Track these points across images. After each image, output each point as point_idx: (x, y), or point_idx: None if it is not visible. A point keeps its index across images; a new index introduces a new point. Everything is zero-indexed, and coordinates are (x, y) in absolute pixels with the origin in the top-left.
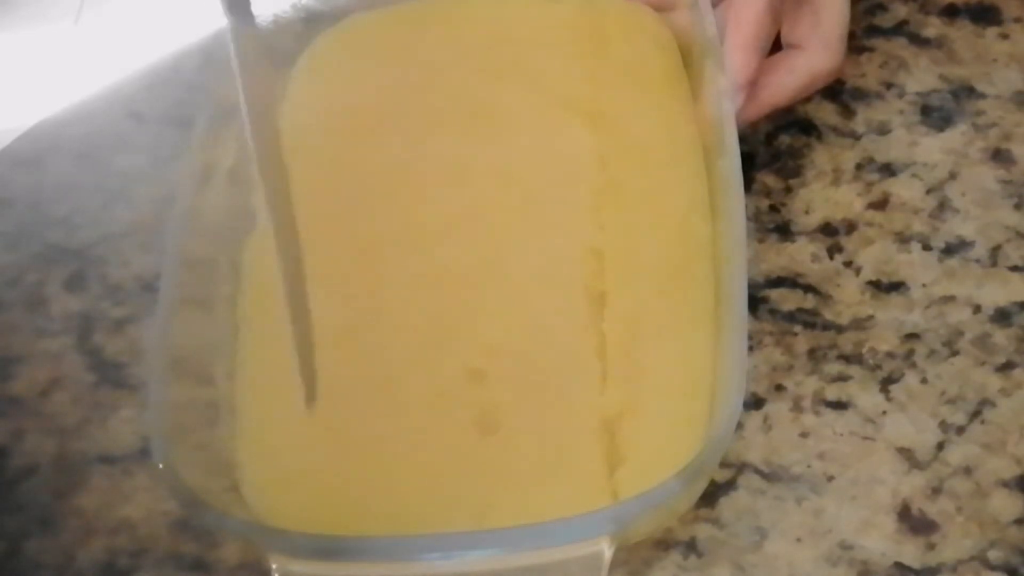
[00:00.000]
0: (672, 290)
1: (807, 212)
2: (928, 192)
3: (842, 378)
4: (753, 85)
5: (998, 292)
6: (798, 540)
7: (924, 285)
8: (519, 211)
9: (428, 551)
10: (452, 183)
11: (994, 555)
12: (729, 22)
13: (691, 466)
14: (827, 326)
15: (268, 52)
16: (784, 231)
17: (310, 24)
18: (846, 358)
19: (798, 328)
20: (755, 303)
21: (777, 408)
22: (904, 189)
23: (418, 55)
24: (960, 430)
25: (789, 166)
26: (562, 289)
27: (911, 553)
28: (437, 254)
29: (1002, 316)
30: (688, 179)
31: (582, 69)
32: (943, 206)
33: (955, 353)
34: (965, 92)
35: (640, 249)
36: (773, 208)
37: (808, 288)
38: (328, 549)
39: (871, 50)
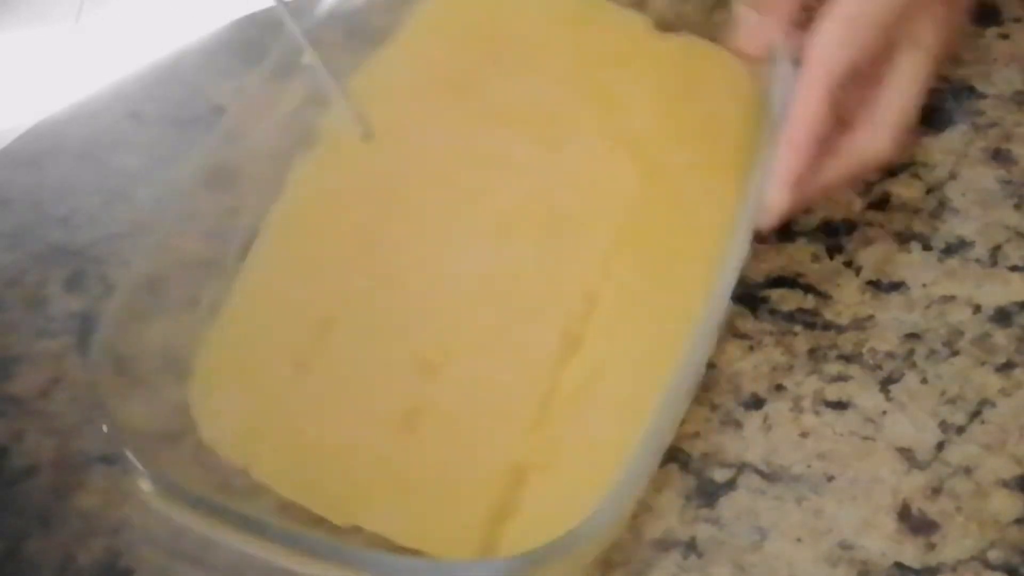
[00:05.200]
0: (650, 359)
1: (807, 212)
2: (928, 192)
3: (842, 378)
4: (798, 184)
5: (998, 292)
6: (798, 540)
7: (924, 285)
8: (535, 230)
9: (280, 540)
10: (484, 184)
11: (994, 555)
12: (789, 112)
13: (540, 552)
14: (827, 326)
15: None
16: (784, 231)
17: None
18: (846, 358)
19: (798, 328)
20: (755, 303)
21: (777, 408)
22: (904, 189)
23: (496, 53)
24: (960, 430)
25: None
26: (540, 322)
27: (911, 553)
28: (438, 249)
29: (1002, 316)
30: (715, 250)
31: (655, 111)
32: (943, 206)
33: (955, 353)
34: (965, 92)
35: (636, 307)
36: None
37: (808, 288)
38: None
39: None
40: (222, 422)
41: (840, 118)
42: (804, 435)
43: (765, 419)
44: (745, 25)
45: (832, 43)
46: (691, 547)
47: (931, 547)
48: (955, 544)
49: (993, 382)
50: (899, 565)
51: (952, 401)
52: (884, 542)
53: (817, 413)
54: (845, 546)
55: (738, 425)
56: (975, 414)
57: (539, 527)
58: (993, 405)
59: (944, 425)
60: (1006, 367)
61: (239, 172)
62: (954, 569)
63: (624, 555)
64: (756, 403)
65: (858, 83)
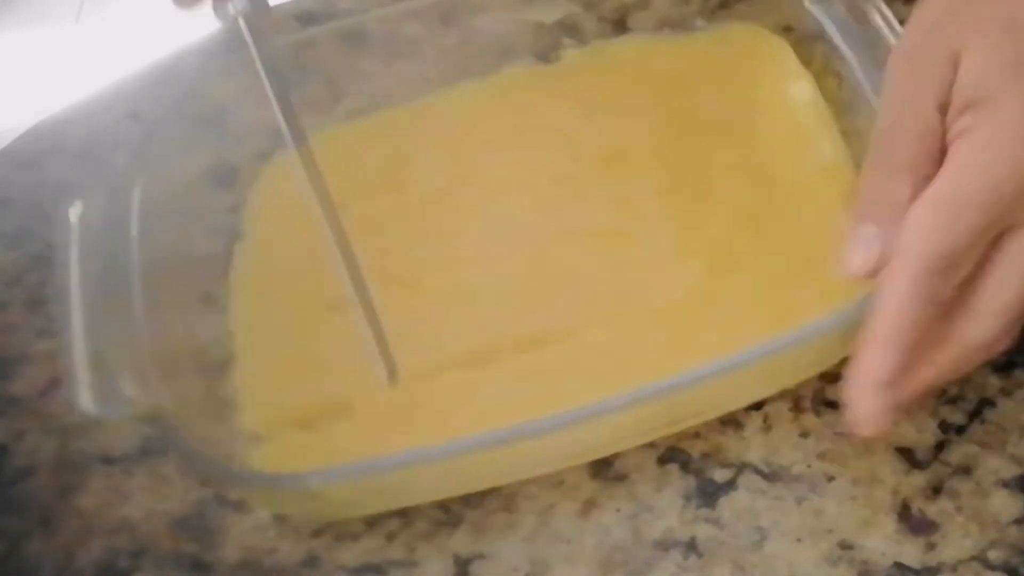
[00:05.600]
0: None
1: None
2: None
3: (842, 378)
4: (892, 385)
5: None
6: (798, 540)
7: None
8: (573, 251)
9: None
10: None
11: (994, 555)
12: (875, 307)
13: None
14: None
15: None
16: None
17: None
18: (846, 357)
19: None
20: None
21: (777, 408)
22: None
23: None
24: (960, 430)
25: None
26: (500, 322)
27: (911, 553)
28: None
29: None
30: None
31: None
32: None
33: None
34: None
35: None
36: None
37: None
38: None
39: None
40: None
41: (944, 309)
42: (804, 435)
43: (765, 419)
44: (860, 241)
45: (923, 229)
46: (691, 547)
47: (931, 547)
48: (955, 544)
49: (993, 382)
50: (899, 565)
51: (952, 401)
52: (884, 542)
53: (817, 413)
54: (845, 546)
55: (738, 425)
56: (975, 414)
57: (313, 451)
58: (993, 405)
59: (944, 425)
60: (1006, 367)
61: (240, 171)
62: (954, 569)
63: (624, 555)
64: (756, 403)
65: (962, 270)
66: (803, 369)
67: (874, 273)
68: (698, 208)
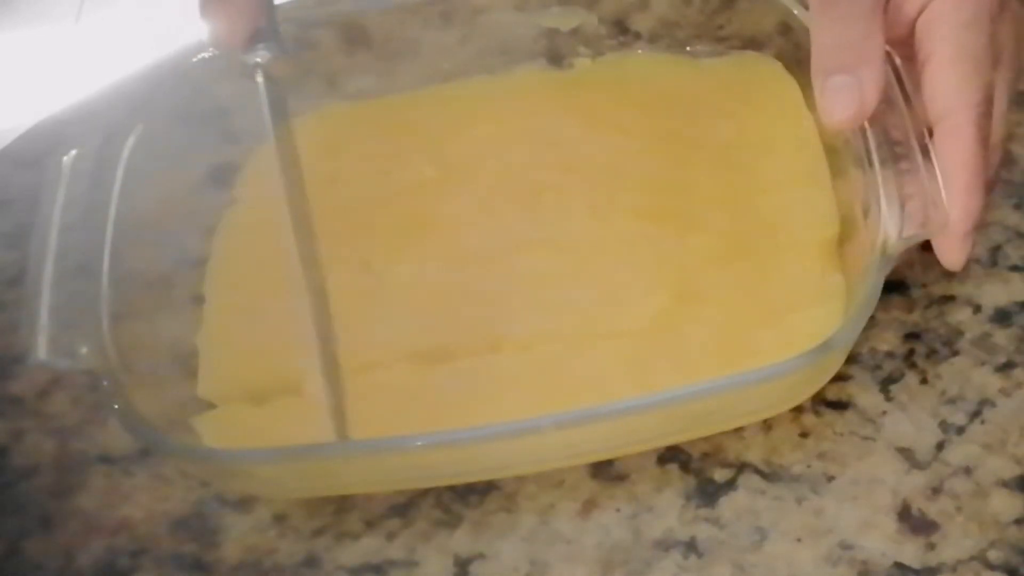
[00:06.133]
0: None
1: None
2: None
3: (842, 378)
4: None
5: (998, 292)
6: (798, 540)
7: (924, 285)
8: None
9: None
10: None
11: (994, 555)
12: (944, 169)
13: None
14: None
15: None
16: None
17: None
18: (846, 358)
19: None
20: None
21: None
22: None
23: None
24: (960, 430)
25: None
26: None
27: (911, 553)
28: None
29: (1002, 316)
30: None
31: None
32: None
33: (955, 353)
34: None
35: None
36: None
37: None
38: None
39: None
40: None
41: None
42: (804, 435)
43: (765, 419)
44: (837, 91)
45: (958, 84)
46: (691, 547)
47: (931, 547)
48: (955, 544)
49: (993, 382)
50: (899, 565)
51: (952, 401)
52: (884, 542)
53: (817, 413)
54: (845, 546)
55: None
56: (975, 414)
57: (255, 426)
58: (993, 405)
59: (944, 425)
60: (1006, 367)
61: (240, 171)
62: (954, 569)
63: (624, 555)
64: None
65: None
66: (752, 412)
67: (857, 118)
68: (678, 235)
